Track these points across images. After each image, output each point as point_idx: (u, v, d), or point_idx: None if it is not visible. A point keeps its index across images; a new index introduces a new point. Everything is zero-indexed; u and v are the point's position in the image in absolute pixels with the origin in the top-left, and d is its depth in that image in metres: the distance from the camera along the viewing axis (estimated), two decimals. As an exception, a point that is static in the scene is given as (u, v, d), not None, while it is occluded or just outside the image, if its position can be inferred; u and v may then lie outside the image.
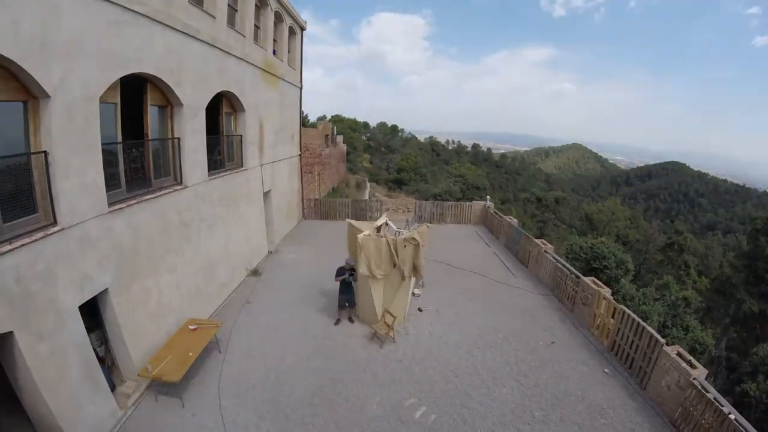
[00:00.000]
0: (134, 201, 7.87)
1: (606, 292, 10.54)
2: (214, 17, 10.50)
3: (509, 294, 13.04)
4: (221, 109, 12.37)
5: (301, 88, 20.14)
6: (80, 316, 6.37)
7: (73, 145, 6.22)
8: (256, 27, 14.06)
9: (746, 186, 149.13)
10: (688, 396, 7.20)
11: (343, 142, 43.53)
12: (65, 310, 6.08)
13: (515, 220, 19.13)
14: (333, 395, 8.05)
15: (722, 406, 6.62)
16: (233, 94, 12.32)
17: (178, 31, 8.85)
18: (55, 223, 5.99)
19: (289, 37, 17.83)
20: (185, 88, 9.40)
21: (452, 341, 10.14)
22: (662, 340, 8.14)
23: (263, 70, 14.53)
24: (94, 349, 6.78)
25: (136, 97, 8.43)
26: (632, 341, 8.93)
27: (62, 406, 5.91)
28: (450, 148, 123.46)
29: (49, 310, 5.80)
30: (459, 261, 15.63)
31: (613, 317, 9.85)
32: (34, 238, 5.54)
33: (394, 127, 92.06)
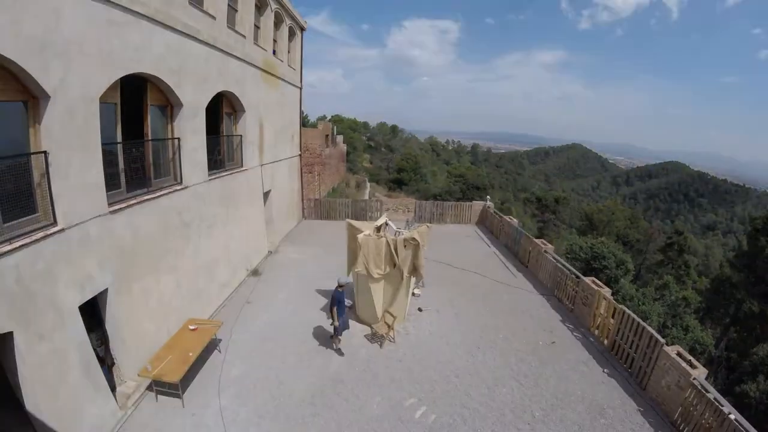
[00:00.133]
0: (134, 201, 7.88)
1: (606, 292, 10.54)
2: (214, 17, 10.50)
3: (509, 294, 13.04)
4: (221, 109, 12.37)
5: (301, 89, 20.14)
6: (80, 316, 6.38)
7: (73, 146, 6.23)
8: (256, 27, 14.06)
9: (746, 186, 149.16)
10: (688, 396, 7.20)
11: (343, 142, 43.52)
12: (65, 310, 6.09)
13: (515, 220, 19.13)
14: (333, 395, 8.05)
15: (722, 406, 6.62)
16: (233, 94, 12.33)
17: (178, 31, 8.85)
18: (55, 223, 5.99)
19: (289, 37, 17.83)
20: (185, 88, 9.40)
21: (452, 341, 10.14)
22: (662, 340, 8.14)
23: (263, 70, 14.53)
24: (94, 349, 6.77)
25: (136, 97, 8.43)
26: (632, 341, 8.93)
27: (62, 406, 5.92)
28: (450, 148, 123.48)
29: (49, 310, 5.80)
30: (459, 261, 15.63)
31: (613, 317, 9.85)
32: (34, 238, 5.55)
33: (394, 127, 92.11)
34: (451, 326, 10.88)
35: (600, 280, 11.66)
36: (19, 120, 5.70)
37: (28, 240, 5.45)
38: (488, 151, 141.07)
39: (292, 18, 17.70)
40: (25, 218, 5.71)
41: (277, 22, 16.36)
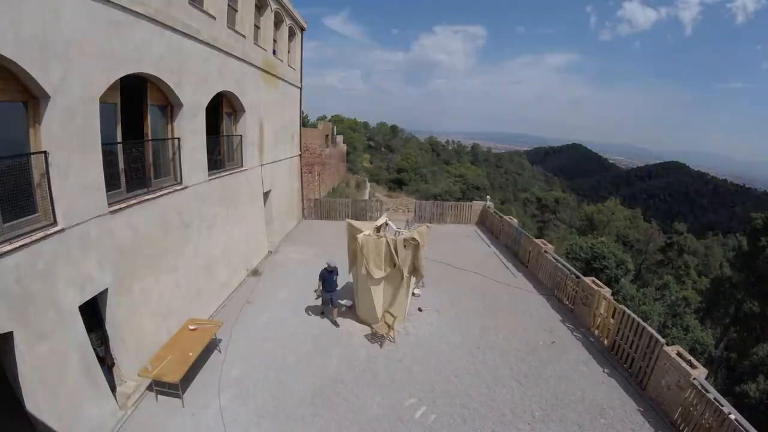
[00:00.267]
0: (134, 201, 7.88)
1: (606, 292, 10.54)
2: (214, 17, 10.50)
3: (509, 294, 13.04)
4: (221, 109, 12.37)
5: (301, 89, 20.14)
6: (80, 316, 6.37)
7: (73, 146, 6.23)
8: (256, 27, 14.06)
9: (746, 186, 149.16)
10: (688, 396, 7.20)
11: (343, 142, 43.52)
12: (65, 310, 6.09)
13: (515, 220, 19.13)
14: (333, 395, 8.05)
15: (722, 406, 6.62)
16: (233, 94, 12.33)
17: (178, 31, 8.85)
18: (55, 223, 5.99)
19: (289, 37, 17.82)
20: (185, 88, 9.40)
21: (452, 341, 10.14)
22: (662, 340, 8.14)
23: (263, 70, 14.53)
24: (94, 349, 6.77)
25: (136, 97, 8.43)
26: (632, 341, 8.93)
27: (62, 406, 5.92)
28: (450, 148, 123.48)
29: (49, 310, 5.80)
30: (459, 261, 15.63)
31: (613, 317, 9.85)
32: (34, 238, 5.54)
33: (394, 127, 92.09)
34: (451, 326, 10.88)
35: (600, 280, 11.66)
36: (19, 120, 5.70)
37: (28, 240, 5.45)
38: (488, 151, 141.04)
39: (292, 18, 17.70)
40: (25, 218, 5.71)
41: (277, 22, 16.36)
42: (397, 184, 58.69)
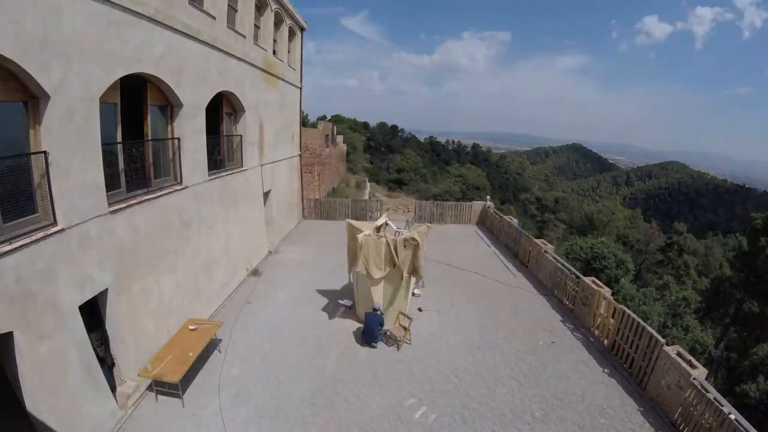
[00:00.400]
0: (134, 201, 7.88)
1: (606, 292, 10.54)
2: (214, 17, 10.50)
3: (509, 294, 13.04)
4: (221, 109, 12.37)
5: (301, 89, 20.14)
6: (80, 316, 6.37)
7: (73, 145, 6.23)
8: (256, 27, 14.06)
9: (746, 186, 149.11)
10: (688, 396, 7.19)
11: (343, 142, 43.52)
12: (65, 309, 6.08)
13: (515, 220, 19.13)
14: (333, 395, 8.05)
15: (722, 406, 6.62)
16: (233, 94, 12.33)
17: (178, 31, 8.85)
18: (55, 223, 5.99)
19: (289, 37, 17.83)
20: (185, 88, 9.40)
21: (452, 341, 10.14)
22: (662, 340, 8.14)
23: (263, 70, 14.54)
24: (94, 349, 6.77)
25: (136, 97, 8.43)
26: (632, 341, 8.93)
27: (62, 406, 5.92)
28: (450, 148, 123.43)
29: (49, 310, 5.80)
30: (459, 261, 15.63)
31: (613, 317, 9.85)
32: (34, 238, 5.54)
33: (394, 127, 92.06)
34: (451, 326, 10.88)
35: (600, 280, 11.66)
36: (19, 120, 5.70)
37: (28, 240, 5.45)
38: (488, 151, 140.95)
39: (292, 18, 17.70)
40: (25, 218, 5.71)
41: (277, 22, 16.36)
42: (397, 184, 58.73)
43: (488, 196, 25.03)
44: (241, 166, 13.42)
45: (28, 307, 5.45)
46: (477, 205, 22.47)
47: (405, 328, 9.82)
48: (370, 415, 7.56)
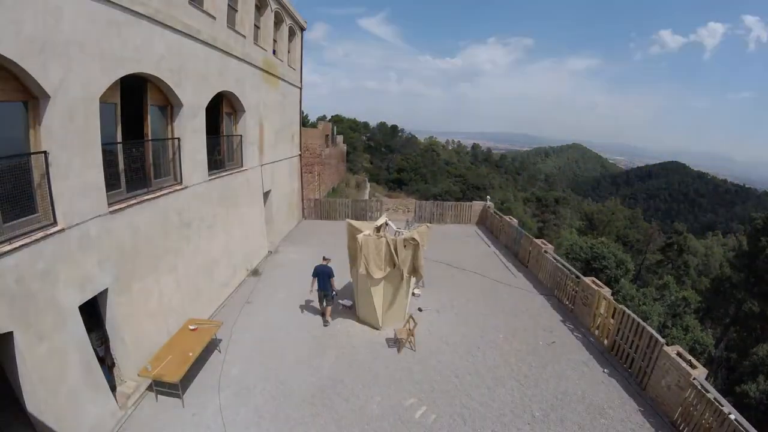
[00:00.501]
0: (134, 201, 7.88)
1: (606, 292, 10.54)
2: (214, 17, 10.51)
3: (509, 294, 13.04)
4: (221, 109, 12.37)
5: (301, 89, 20.14)
6: (80, 316, 6.38)
7: (73, 145, 6.23)
8: (256, 27, 14.07)
9: (746, 186, 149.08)
10: (688, 396, 7.19)
11: (343, 142, 43.54)
12: (65, 310, 6.09)
13: (515, 220, 19.13)
14: (333, 395, 8.05)
15: (722, 406, 6.62)
16: (233, 94, 12.33)
17: (179, 31, 8.86)
18: (55, 223, 5.99)
19: (289, 37, 17.83)
20: (185, 88, 9.40)
21: (452, 341, 10.14)
22: (662, 340, 8.14)
23: (263, 70, 14.54)
24: (94, 349, 6.78)
25: (136, 97, 8.43)
26: (632, 341, 8.93)
27: (62, 406, 5.92)
28: (450, 148, 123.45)
29: (49, 310, 5.80)
30: (459, 261, 15.63)
31: (613, 317, 9.85)
32: (34, 238, 5.55)
33: (394, 128, 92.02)
34: (451, 326, 10.88)
35: (600, 280, 11.66)
36: (19, 120, 5.70)
37: (28, 240, 5.45)
38: (488, 151, 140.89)
39: (292, 18, 17.70)
40: (25, 218, 5.71)
41: (277, 22, 16.36)
42: (397, 184, 58.77)
43: (488, 196, 25.03)
44: (241, 166, 13.43)
45: (28, 307, 5.45)
46: (477, 205, 22.48)
47: (410, 332, 9.74)
48: (370, 415, 7.56)
